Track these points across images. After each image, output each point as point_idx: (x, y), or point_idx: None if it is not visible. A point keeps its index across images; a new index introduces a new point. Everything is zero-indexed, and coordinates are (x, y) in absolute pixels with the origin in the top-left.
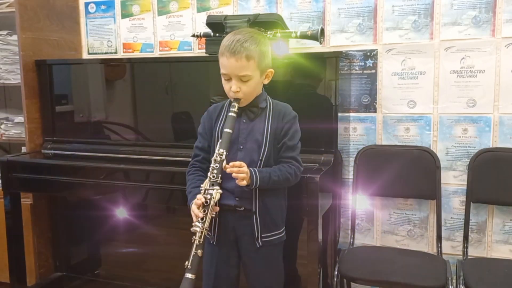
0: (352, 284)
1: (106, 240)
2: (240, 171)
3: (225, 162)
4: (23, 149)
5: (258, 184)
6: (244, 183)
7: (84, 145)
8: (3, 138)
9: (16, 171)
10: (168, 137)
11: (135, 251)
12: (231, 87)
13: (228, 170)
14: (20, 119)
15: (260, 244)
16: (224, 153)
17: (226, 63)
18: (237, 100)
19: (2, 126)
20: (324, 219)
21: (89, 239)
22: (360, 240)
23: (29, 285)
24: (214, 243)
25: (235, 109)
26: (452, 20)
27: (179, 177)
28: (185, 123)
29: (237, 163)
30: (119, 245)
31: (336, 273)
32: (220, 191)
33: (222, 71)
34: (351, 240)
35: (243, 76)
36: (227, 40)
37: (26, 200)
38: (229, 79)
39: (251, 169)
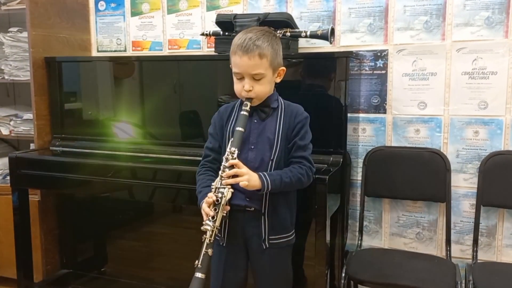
0: (360, 286)
1: (113, 238)
2: (237, 172)
3: (236, 160)
4: (32, 146)
5: (269, 188)
6: (246, 183)
7: (92, 142)
8: (12, 134)
9: (24, 167)
10: (176, 136)
11: (141, 249)
12: (243, 86)
13: (229, 182)
14: (29, 116)
15: (267, 245)
16: (236, 151)
17: (238, 62)
18: (249, 99)
19: (11, 123)
20: (332, 220)
21: (96, 237)
22: (368, 242)
23: (36, 281)
24: (224, 244)
25: (247, 108)
26: (464, 21)
27: (186, 176)
28: (193, 122)
29: (238, 170)
30: (126, 243)
31: (343, 275)
32: (231, 189)
33: (235, 70)
34: (359, 242)
35: (256, 74)
36: (238, 38)
37: (34, 197)
38: (241, 78)
39: (261, 173)
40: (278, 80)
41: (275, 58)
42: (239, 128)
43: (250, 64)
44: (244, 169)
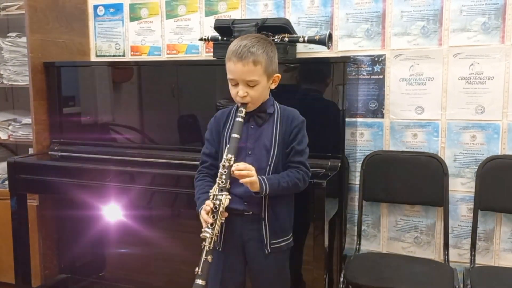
0: None
1: (111, 243)
2: (249, 174)
3: (233, 167)
4: (30, 151)
5: (267, 192)
6: (249, 180)
7: (91, 147)
8: (11, 139)
9: (23, 172)
10: (174, 140)
11: (139, 254)
12: (238, 92)
13: (236, 173)
14: (27, 120)
15: (269, 250)
16: (232, 158)
17: (233, 68)
18: (244, 105)
19: (10, 127)
20: (330, 224)
21: (94, 242)
22: (366, 246)
23: (34, 286)
24: (220, 249)
25: (243, 114)
26: (461, 26)
27: (185, 180)
28: (192, 127)
29: (248, 166)
30: (124, 248)
31: (341, 279)
32: (229, 196)
33: (229, 76)
34: (357, 246)
35: (250, 81)
36: (234, 45)
37: (32, 201)
38: (236, 84)
39: (260, 177)
40: (273, 86)
41: (270, 65)
42: (234, 135)
43: (244, 71)
44: (253, 171)
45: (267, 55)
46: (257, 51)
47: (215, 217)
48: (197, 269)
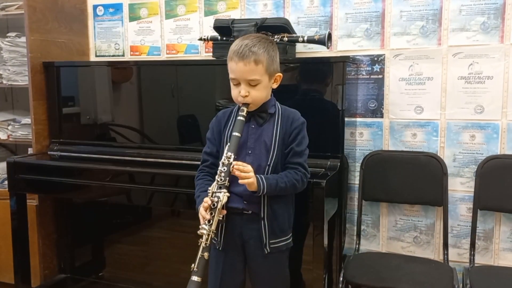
0: None
1: (111, 242)
2: (246, 176)
3: (233, 165)
4: (30, 151)
5: (265, 191)
6: (247, 181)
7: (90, 147)
8: (10, 139)
9: (22, 172)
10: (174, 140)
11: (139, 254)
12: (239, 92)
13: (236, 173)
14: (27, 120)
15: (268, 250)
16: (232, 156)
17: (234, 68)
18: (246, 104)
19: (9, 127)
20: (330, 224)
21: (94, 241)
22: (366, 246)
23: (33, 286)
24: (220, 248)
25: (244, 113)
26: (460, 26)
27: (184, 180)
28: (191, 126)
29: (246, 166)
30: (124, 248)
31: (341, 279)
32: (227, 194)
33: (231, 75)
34: (357, 246)
35: (251, 80)
36: (235, 45)
37: (32, 201)
38: (237, 84)
39: (258, 176)
40: (275, 86)
41: (271, 64)
42: (235, 133)
43: (246, 70)
44: (251, 172)
45: (268, 55)
46: (259, 51)
47: (213, 214)
48: (193, 265)
